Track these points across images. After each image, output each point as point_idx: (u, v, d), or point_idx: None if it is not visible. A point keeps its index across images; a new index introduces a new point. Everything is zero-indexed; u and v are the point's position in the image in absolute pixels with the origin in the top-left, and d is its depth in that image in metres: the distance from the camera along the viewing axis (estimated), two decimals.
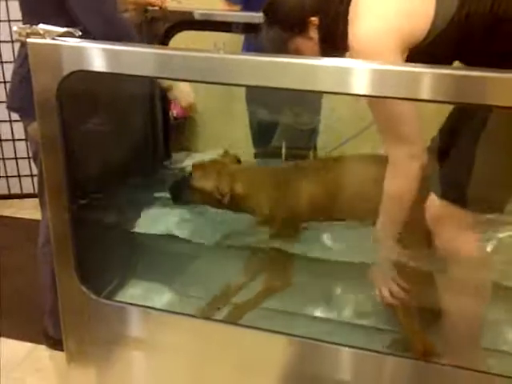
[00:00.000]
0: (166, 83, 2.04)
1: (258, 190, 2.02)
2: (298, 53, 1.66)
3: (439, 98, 1.25)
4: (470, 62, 1.53)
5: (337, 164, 2.06)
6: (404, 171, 1.51)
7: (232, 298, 2.00)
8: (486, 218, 1.80)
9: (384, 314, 1.88)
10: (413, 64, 1.33)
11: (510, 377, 1.39)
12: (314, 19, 1.62)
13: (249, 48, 2.64)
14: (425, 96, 1.23)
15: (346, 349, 1.53)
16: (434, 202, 1.57)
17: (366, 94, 1.28)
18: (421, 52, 1.48)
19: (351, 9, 1.52)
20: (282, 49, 1.66)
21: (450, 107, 1.71)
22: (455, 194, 1.53)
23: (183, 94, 2.11)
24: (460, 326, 1.66)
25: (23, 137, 3.21)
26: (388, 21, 1.45)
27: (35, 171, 3.00)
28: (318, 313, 1.99)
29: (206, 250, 2.09)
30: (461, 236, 1.57)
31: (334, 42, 1.58)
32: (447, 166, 1.56)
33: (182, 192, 2.07)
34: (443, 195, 1.55)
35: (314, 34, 1.63)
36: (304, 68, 1.30)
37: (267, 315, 1.94)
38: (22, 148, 3.36)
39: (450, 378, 1.46)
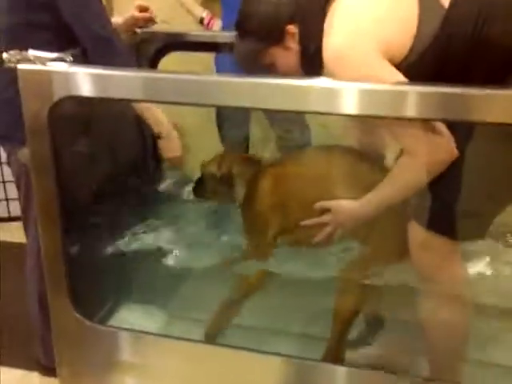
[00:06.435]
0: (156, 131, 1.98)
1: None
2: (274, 66, 1.55)
3: (426, 116, 1.27)
4: None
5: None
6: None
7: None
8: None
9: None
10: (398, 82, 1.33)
11: None
12: (291, 27, 1.50)
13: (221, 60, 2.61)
14: (411, 113, 1.25)
15: (337, 367, 1.56)
16: (417, 232, 1.49)
17: (353, 114, 1.30)
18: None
19: (327, 20, 1.43)
20: (255, 63, 1.56)
21: None
22: (443, 225, 1.47)
23: (171, 145, 2.03)
24: (441, 340, 1.61)
25: None
26: (361, 24, 1.37)
27: None
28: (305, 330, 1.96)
29: (199, 271, 2.08)
30: (445, 262, 1.52)
31: (316, 54, 1.44)
32: (431, 193, 1.46)
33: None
34: (429, 226, 1.47)
35: (291, 43, 1.52)
36: (294, 89, 1.31)
37: (257, 336, 1.93)
38: (9, 171, 3.31)
39: None
